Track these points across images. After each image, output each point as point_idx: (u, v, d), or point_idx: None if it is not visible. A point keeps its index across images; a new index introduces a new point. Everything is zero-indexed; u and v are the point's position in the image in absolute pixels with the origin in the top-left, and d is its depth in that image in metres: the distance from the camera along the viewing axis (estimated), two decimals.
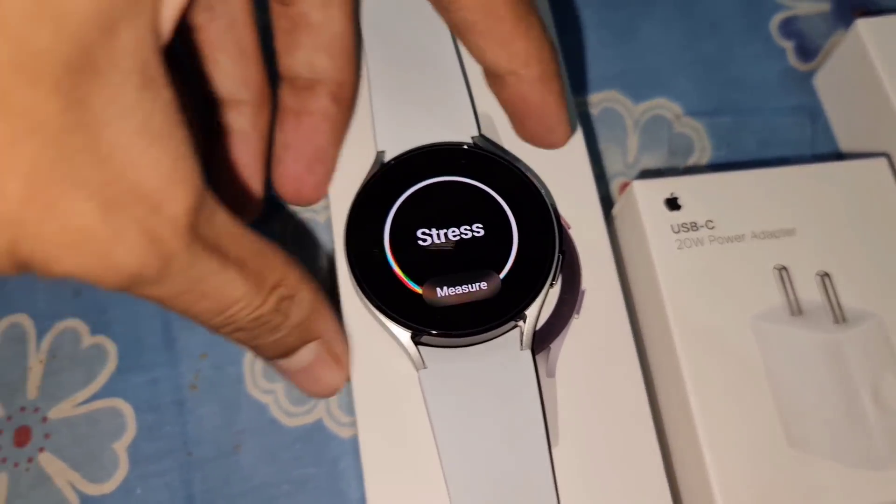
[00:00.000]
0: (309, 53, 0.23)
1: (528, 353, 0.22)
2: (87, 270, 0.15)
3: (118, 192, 0.14)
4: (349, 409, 0.27)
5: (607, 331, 0.23)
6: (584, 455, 0.22)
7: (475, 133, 0.24)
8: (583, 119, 0.31)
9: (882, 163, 0.27)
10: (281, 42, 0.23)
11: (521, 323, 0.22)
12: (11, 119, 0.13)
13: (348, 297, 0.23)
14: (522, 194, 0.23)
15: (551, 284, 0.23)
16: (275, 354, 0.21)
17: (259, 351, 0.20)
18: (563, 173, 0.25)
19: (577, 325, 0.23)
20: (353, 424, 0.27)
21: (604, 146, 0.31)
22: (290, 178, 0.24)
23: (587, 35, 0.33)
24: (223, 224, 0.17)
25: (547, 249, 0.23)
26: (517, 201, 0.23)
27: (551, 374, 0.23)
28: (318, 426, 0.27)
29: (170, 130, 0.15)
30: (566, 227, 0.24)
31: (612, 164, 0.31)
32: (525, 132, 0.24)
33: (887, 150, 0.28)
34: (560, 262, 0.23)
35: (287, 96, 0.23)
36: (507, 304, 0.22)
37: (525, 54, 0.21)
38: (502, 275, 0.22)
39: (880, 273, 0.25)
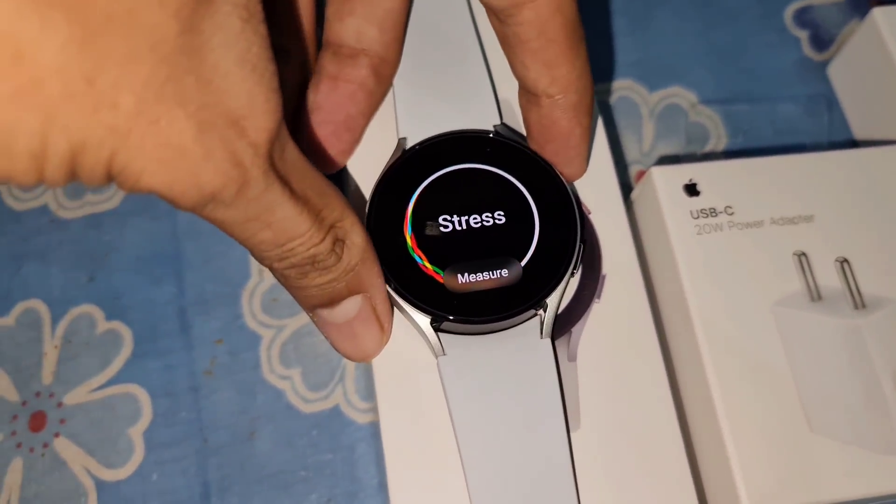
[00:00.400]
0: (360, 23, 0.23)
1: (548, 341, 0.22)
2: (172, 186, 0.15)
3: (213, 115, 0.15)
4: (366, 394, 0.27)
5: (628, 316, 0.23)
6: (606, 439, 0.22)
7: (497, 121, 0.24)
8: (602, 107, 0.31)
9: None
10: (333, 7, 0.23)
11: (541, 311, 0.22)
12: (136, 36, 0.14)
13: None
14: (544, 183, 0.23)
15: (572, 273, 0.22)
16: (320, 302, 0.21)
17: (305, 294, 0.20)
18: None
19: (598, 310, 0.23)
20: (371, 410, 0.26)
21: (620, 134, 0.31)
22: (315, 140, 0.24)
23: (604, 24, 0.33)
24: (294, 158, 0.18)
25: (568, 238, 0.22)
26: (539, 190, 0.23)
27: (573, 358, 0.23)
28: (335, 412, 0.26)
29: (264, 63, 0.16)
30: (587, 213, 0.24)
31: (628, 151, 0.31)
32: (543, 155, 0.24)
33: None
34: (581, 251, 0.23)
35: (328, 61, 0.23)
36: (527, 292, 0.22)
37: (566, 80, 0.21)
38: (523, 262, 0.22)
39: None
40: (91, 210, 0.29)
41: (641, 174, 0.30)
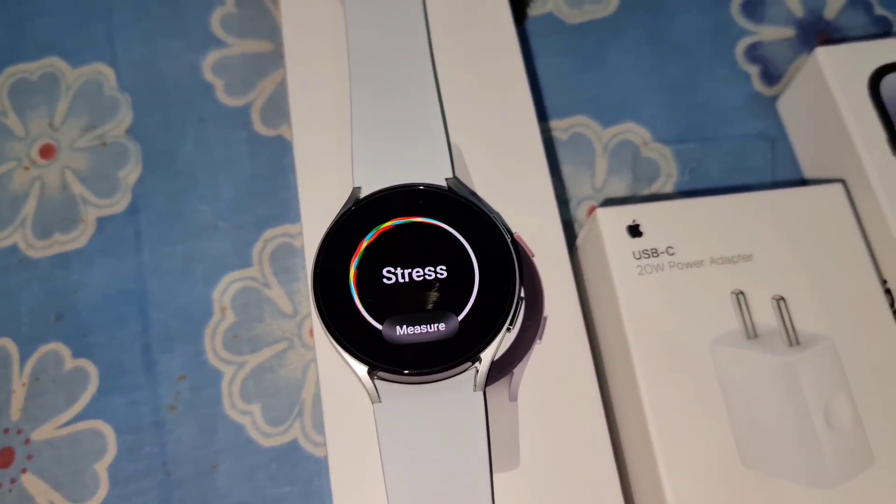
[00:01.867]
0: None
1: (481, 394, 0.23)
2: None
3: None
4: (324, 429, 0.28)
5: (568, 356, 0.24)
6: (544, 477, 0.23)
7: (449, 175, 0.25)
8: (550, 144, 0.32)
9: (838, 188, 0.28)
10: None
11: (476, 364, 0.23)
12: None
13: (317, 323, 0.24)
14: (488, 240, 0.24)
15: (508, 329, 0.23)
16: None
17: None
18: (527, 201, 0.26)
19: (540, 351, 0.24)
20: None
21: (573, 170, 0.32)
22: None
23: (558, 61, 0.34)
24: None
25: (506, 295, 0.23)
26: (482, 246, 0.24)
27: (514, 398, 0.24)
28: (293, 445, 0.27)
29: None
30: (530, 255, 0.25)
31: (580, 188, 0.32)
32: None
33: (845, 175, 0.29)
34: (518, 309, 0.24)
35: None
36: (463, 346, 0.22)
37: None
38: (461, 317, 0.23)
39: (833, 296, 0.26)
40: (59, 249, 0.30)
41: (592, 209, 0.31)
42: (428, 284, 0.23)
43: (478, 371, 0.23)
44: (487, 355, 0.23)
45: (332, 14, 0.29)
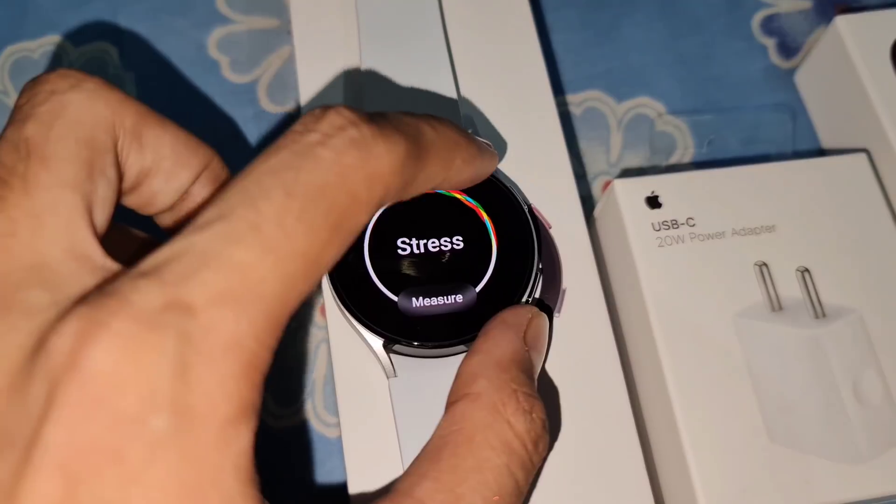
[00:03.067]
0: None
1: None
2: None
3: None
4: (335, 409, 0.27)
5: (588, 329, 0.24)
6: (565, 454, 0.22)
7: None
8: (565, 119, 0.31)
9: (861, 158, 0.27)
10: None
11: None
12: None
13: (330, 298, 0.23)
14: (506, 210, 0.23)
15: (528, 301, 0.23)
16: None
17: None
18: (544, 173, 0.26)
19: (558, 325, 0.24)
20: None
21: (587, 145, 0.31)
22: None
23: (571, 35, 0.33)
24: None
25: (525, 267, 0.23)
26: (500, 216, 0.23)
27: None
28: (304, 427, 0.27)
29: None
30: (547, 227, 0.25)
31: (595, 163, 0.31)
32: None
33: (867, 146, 0.29)
34: (537, 281, 0.23)
35: None
36: (481, 318, 0.22)
37: None
38: (478, 288, 0.22)
39: (859, 268, 0.25)
40: None
41: (608, 184, 0.31)
42: (444, 255, 0.22)
43: None
44: None
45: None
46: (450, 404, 0.19)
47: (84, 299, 0.14)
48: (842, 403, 0.23)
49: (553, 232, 0.25)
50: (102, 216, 0.17)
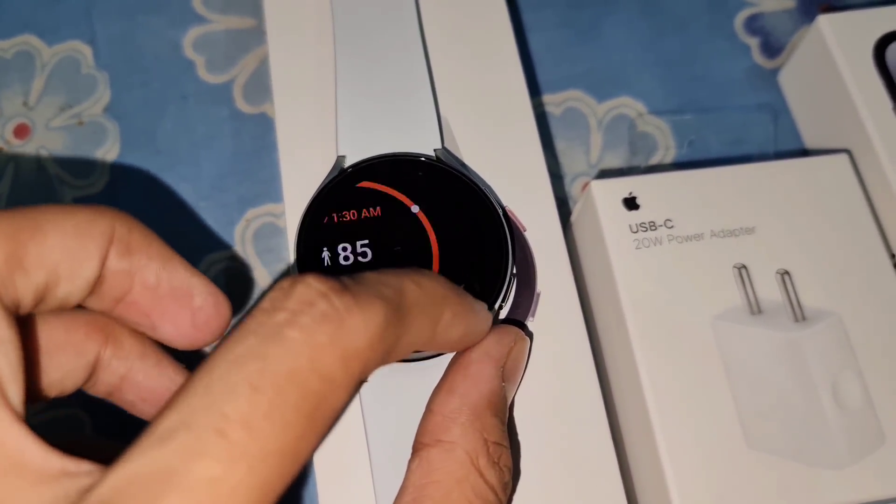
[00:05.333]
0: None
1: None
2: None
3: None
4: None
5: (563, 334, 0.23)
6: (540, 459, 0.22)
7: (438, 145, 0.24)
8: (544, 119, 0.31)
9: (843, 159, 0.27)
10: None
11: None
12: None
13: None
14: (479, 212, 0.23)
15: (500, 306, 0.22)
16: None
17: None
18: (519, 175, 0.25)
19: (532, 329, 0.23)
20: None
21: (567, 146, 0.31)
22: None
23: (551, 35, 0.33)
24: None
25: (498, 271, 0.22)
26: (473, 219, 0.23)
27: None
28: None
29: None
30: (522, 230, 0.24)
31: (575, 163, 0.30)
32: None
33: (849, 146, 0.28)
34: (510, 285, 0.22)
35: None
36: None
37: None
38: None
39: (840, 269, 0.25)
40: None
41: (587, 185, 0.30)
42: (415, 258, 0.22)
43: None
44: None
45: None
46: (423, 446, 0.19)
47: None
48: (821, 408, 0.23)
49: (528, 235, 0.24)
50: (17, 390, 0.15)
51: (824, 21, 0.29)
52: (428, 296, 0.18)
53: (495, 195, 0.24)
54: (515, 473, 0.22)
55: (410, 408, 0.20)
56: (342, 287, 0.15)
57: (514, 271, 0.23)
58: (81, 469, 0.14)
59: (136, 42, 0.32)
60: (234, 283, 0.28)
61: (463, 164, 0.24)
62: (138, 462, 0.13)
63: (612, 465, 0.22)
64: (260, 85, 0.31)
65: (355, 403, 0.22)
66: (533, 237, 0.24)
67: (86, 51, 0.31)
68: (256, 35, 0.32)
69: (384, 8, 0.27)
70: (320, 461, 0.22)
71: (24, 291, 0.16)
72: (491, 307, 0.22)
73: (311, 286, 0.15)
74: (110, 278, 0.17)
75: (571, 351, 0.23)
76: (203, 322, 0.19)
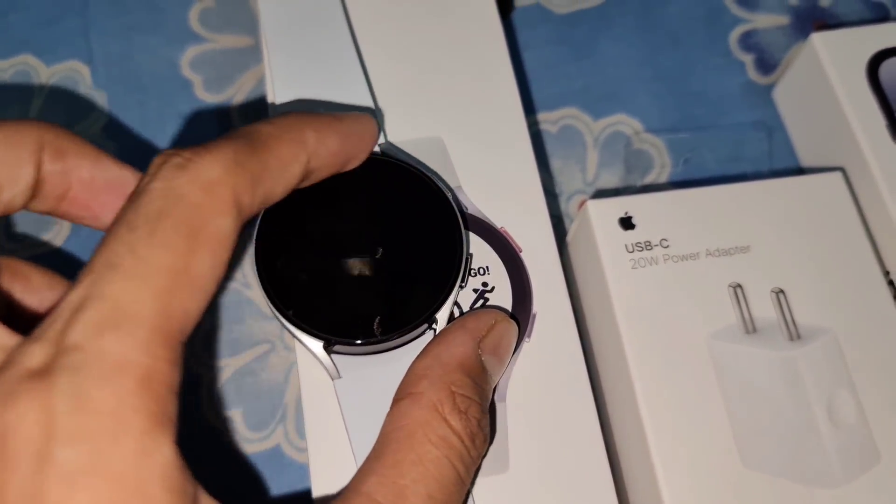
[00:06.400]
0: None
1: None
2: None
3: None
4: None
5: (559, 354, 0.23)
6: (535, 481, 0.22)
7: (382, 140, 0.25)
8: (538, 138, 0.31)
9: (836, 177, 0.27)
10: None
11: (434, 326, 0.22)
12: None
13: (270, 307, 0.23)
14: (429, 200, 0.23)
15: (461, 287, 0.23)
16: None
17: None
18: (515, 195, 0.25)
19: (528, 349, 0.23)
20: None
21: (563, 164, 0.31)
22: None
23: (547, 52, 0.33)
24: None
25: (454, 252, 0.23)
26: (424, 207, 0.23)
27: (501, 398, 0.23)
28: (275, 451, 0.26)
29: None
30: (517, 250, 0.24)
31: (571, 181, 0.31)
32: None
33: (844, 163, 0.28)
34: (468, 263, 0.23)
35: None
36: (416, 310, 0.22)
37: None
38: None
39: (834, 288, 0.25)
40: (33, 252, 0.29)
41: (583, 203, 0.30)
42: (373, 252, 0.22)
43: (435, 332, 0.22)
44: (443, 315, 0.22)
45: (310, 5, 0.28)
46: (394, 402, 0.20)
47: None
48: (816, 426, 0.23)
49: (524, 255, 0.24)
50: None
51: (818, 39, 0.29)
52: (280, 125, 0.19)
53: (444, 181, 0.25)
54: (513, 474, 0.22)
55: (387, 396, 0.21)
56: (195, 147, 0.18)
57: (471, 252, 0.23)
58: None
59: (133, 62, 0.32)
60: (231, 303, 0.28)
61: (408, 156, 0.25)
62: (59, 307, 0.15)
63: (609, 487, 0.22)
64: (258, 104, 0.31)
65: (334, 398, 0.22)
66: (529, 257, 0.24)
67: (84, 71, 0.32)
68: (254, 53, 0.32)
69: (312, 15, 0.27)
70: (314, 452, 0.22)
71: None
72: (452, 288, 0.22)
73: (165, 153, 0.17)
74: (49, 180, 0.19)
75: (568, 371, 0.23)
76: None
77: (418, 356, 0.21)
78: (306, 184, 0.21)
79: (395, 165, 0.24)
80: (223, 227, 0.17)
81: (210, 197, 0.17)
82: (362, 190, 0.23)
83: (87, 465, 0.14)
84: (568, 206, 0.30)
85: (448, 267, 0.22)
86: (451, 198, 0.23)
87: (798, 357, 0.24)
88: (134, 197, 0.17)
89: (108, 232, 0.16)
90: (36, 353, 0.15)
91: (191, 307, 0.16)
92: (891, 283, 0.27)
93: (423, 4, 0.28)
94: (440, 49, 0.28)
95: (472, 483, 0.21)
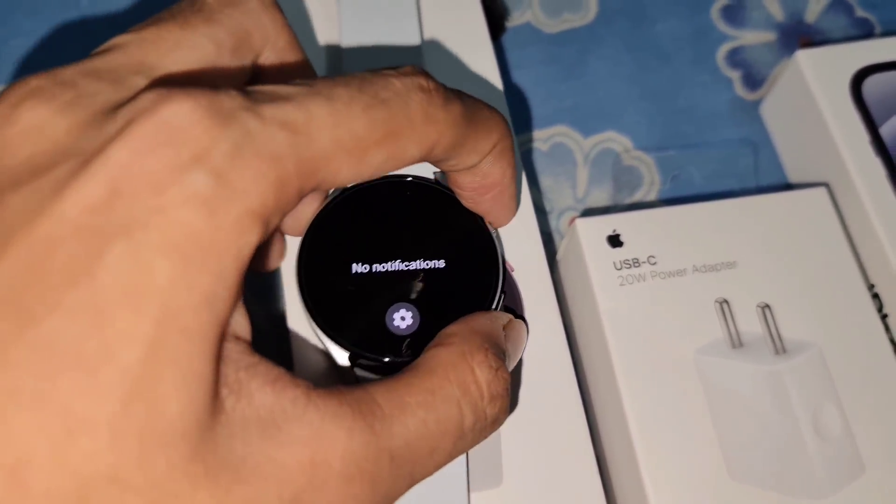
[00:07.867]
0: None
1: None
2: None
3: None
4: None
5: (550, 369, 0.24)
6: (527, 494, 0.22)
7: (437, 169, 0.25)
8: (529, 156, 0.32)
9: (821, 193, 0.28)
10: None
11: None
12: None
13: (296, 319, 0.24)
14: (473, 232, 0.24)
15: (500, 299, 0.23)
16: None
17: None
18: None
19: (520, 364, 0.24)
20: None
21: (554, 181, 0.31)
22: None
23: (537, 71, 0.33)
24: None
25: (488, 290, 0.23)
26: (466, 238, 0.23)
27: None
28: None
29: None
30: (510, 270, 0.25)
31: (562, 199, 0.31)
32: (480, 207, 0.24)
33: (829, 179, 0.29)
34: (501, 300, 0.23)
35: None
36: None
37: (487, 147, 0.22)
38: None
39: (819, 302, 0.26)
40: None
41: (574, 220, 0.31)
42: (410, 275, 0.23)
43: None
44: None
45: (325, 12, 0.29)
46: (423, 352, 0.20)
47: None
48: (802, 439, 0.24)
49: (515, 274, 0.25)
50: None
51: (803, 56, 0.30)
52: (491, 118, 0.21)
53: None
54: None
55: None
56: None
57: (505, 289, 0.23)
58: None
59: None
60: None
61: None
62: (273, 89, 0.17)
63: (600, 497, 0.23)
64: None
65: None
66: (519, 275, 0.25)
67: None
68: None
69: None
70: None
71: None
72: (490, 305, 0.23)
73: (417, 69, 0.19)
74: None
75: (559, 385, 0.24)
76: None
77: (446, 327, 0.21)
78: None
79: (445, 195, 0.24)
80: (413, 144, 0.18)
81: (424, 123, 0.18)
82: (414, 213, 0.23)
83: (201, 199, 0.15)
84: (559, 223, 0.31)
85: (481, 302, 0.23)
86: (495, 236, 0.24)
87: (784, 371, 0.25)
88: (367, 75, 0.18)
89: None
90: (233, 99, 0.16)
91: (374, 161, 0.18)
92: (875, 296, 0.27)
93: None
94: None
95: (472, 444, 0.21)
